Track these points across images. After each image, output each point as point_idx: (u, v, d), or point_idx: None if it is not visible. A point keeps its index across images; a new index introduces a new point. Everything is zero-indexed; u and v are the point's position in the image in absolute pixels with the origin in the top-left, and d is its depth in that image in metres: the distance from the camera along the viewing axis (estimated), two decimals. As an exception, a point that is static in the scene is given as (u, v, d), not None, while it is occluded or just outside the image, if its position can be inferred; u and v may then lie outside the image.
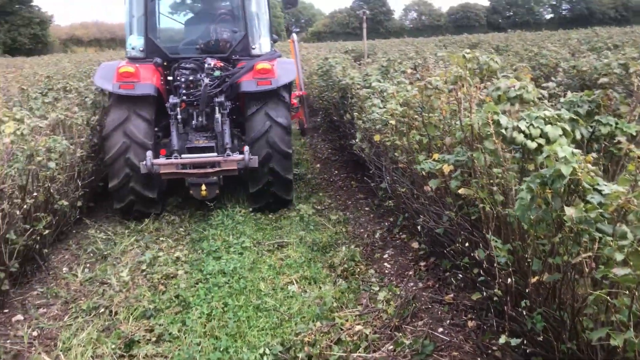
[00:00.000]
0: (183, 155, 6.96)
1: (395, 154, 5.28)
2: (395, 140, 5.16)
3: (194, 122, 7.26)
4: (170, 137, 7.09)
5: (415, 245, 5.88)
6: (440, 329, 4.41)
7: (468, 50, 3.64)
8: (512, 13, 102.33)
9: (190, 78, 7.22)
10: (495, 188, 3.23)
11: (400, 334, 4.33)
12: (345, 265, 5.62)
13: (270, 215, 7.39)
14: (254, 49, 7.77)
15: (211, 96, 7.11)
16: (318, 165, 10.12)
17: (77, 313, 4.93)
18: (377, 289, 5.14)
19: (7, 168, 4.63)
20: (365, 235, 6.51)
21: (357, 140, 6.89)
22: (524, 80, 3.85)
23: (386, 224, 6.74)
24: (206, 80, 7.01)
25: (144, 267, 5.77)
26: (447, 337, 4.25)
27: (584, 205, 2.41)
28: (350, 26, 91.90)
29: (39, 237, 5.40)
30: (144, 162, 6.62)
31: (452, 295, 4.75)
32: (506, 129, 2.85)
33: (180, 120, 7.08)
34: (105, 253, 6.22)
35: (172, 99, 6.99)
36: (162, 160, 6.84)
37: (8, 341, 4.49)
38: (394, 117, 5.03)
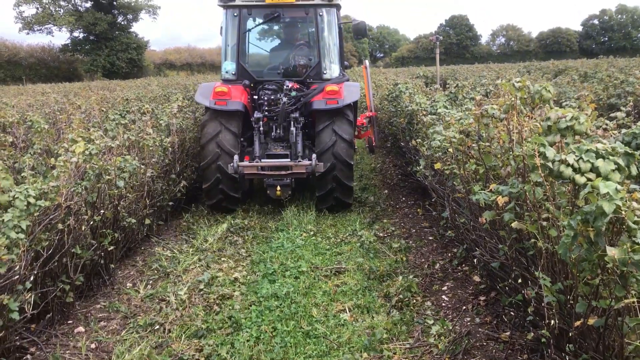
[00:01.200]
0: (262, 160, 8.23)
1: (454, 182, 5.13)
2: (454, 169, 5.02)
3: (273, 133, 8.62)
4: (253, 145, 8.45)
5: (476, 278, 5.66)
6: (493, 369, 4.19)
7: (518, 79, 3.49)
8: (606, 38, 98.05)
9: (272, 97, 8.60)
10: (545, 223, 3.05)
11: (449, 371, 4.16)
12: (401, 296, 5.48)
13: (331, 239, 7.37)
14: (325, 73, 8.99)
15: (288, 112, 8.44)
16: (386, 191, 10.01)
17: (134, 328, 5.08)
18: (432, 322, 4.97)
19: (74, 185, 4.87)
20: (426, 266, 6.33)
21: (420, 167, 6.77)
22: (586, 110, 3.64)
23: (449, 255, 6.53)
24: (284, 99, 8.43)
25: (202, 286, 5.88)
26: (499, 378, 4.04)
27: (630, 245, 2.22)
28: (434, 51, 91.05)
29: (103, 253, 5.64)
30: (232, 164, 7.89)
31: (508, 333, 4.51)
32: (553, 162, 2.68)
33: (262, 131, 8.47)
34: (168, 270, 6.40)
35: (256, 114, 8.41)
36: (245, 163, 8.09)
37: (67, 352, 4.69)
38: (452, 145, 4.90)
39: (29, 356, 4.60)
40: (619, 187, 2.24)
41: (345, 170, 8.16)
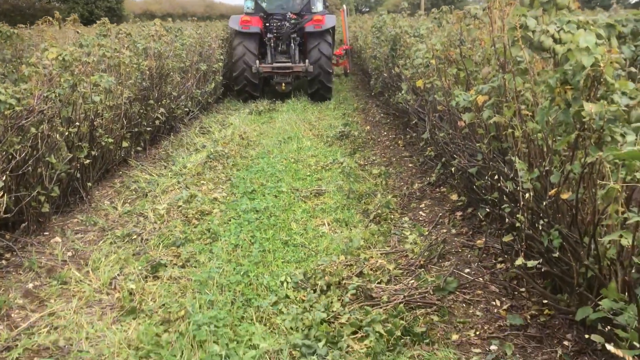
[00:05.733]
0: (274, 64, 12.66)
1: (435, 96, 5.10)
2: (435, 81, 4.98)
3: (279, 48, 13.21)
4: (266, 57, 12.87)
5: (454, 197, 5.71)
6: (467, 270, 4.25)
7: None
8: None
9: (278, 24, 13.11)
10: (523, 106, 3.04)
11: (424, 271, 4.21)
12: (379, 211, 5.50)
13: (312, 167, 7.34)
14: (313, 8, 13.47)
15: (289, 34, 12.97)
16: (368, 127, 9.98)
17: (112, 239, 5.04)
18: (408, 233, 5.01)
19: (47, 91, 4.75)
20: (405, 188, 6.35)
21: (402, 92, 6.73)
22: None
23: (428, 179, 6.55)
24: (287, 25, 13.00)
25: (180, 203, 5.85)
26: (473, 277, 4.10)
27: (607, 103, 2.21)
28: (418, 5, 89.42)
29: (80, 167, 5.55)
30: (254, 66, 12.18)
31: (483, 240, 4.56)
32: (534, 32, 2.65)
33: (272, 47, 12.85)
34: (147, 191, 6.35)
35: (268, 35, 12.94)
36: (263, 65, 12.52)
37: (44, 258, 4.65)
38: (434, 55, 4.84)
39: (3, 261, 4.56)
40: (598, 41, 2.22)
41: (327, 75, 12.44)
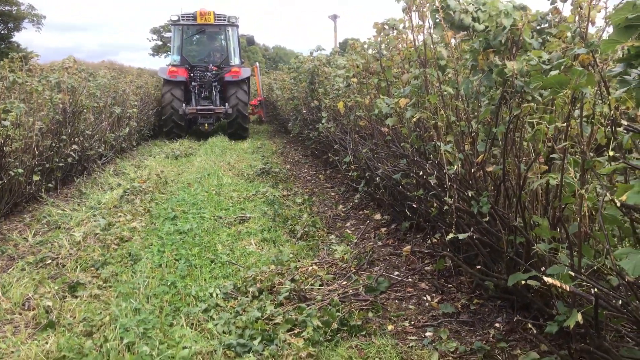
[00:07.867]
0: (198, 107, 14.66)
1: (357, 112, 5.25)
2: (356, 98, 5.14)
3: (202, 94, 15.19)
4: (191, 102, 14.84)
5: (377, 216, 5.81)
6: (397, 273, 4.30)
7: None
8: None
9: (202, 74, 15.22)
10: (445, 91, 3.20)
11: (356, 276, 4.21)
12: (306, 229, 5.50)
13: (234, 199, 7.24)
14: (231, 61, 15.79)
15: (211, 83, 15.13)
16: (288, 166, 10.05)
17: (23, 265, 4.69)
18: (337, 246, 5.02)
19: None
20: (329, 212, 6.40)
21: (323, 121, 6.87)
22: None
23: (350, 204, 6.64)
24: (209, 75, 15.17)
25: (98, 230, 5.57)
26: (402, 278, 4.15)
27: (526, 60, 2.37)
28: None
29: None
30: (181, 109, 14.08)
31: (409, 247, 4.65)
32: (454, 11, 2.84)
33: (196, 93, 14.98)
34: (60, 223, 6.00)
35: (193, 84, 15.04)
36: (189, 107, 14.43)
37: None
38: (354, 74, 5.02)
39: None
40: (516, 3, 2.41)
41: (244, 118, 14.68)
